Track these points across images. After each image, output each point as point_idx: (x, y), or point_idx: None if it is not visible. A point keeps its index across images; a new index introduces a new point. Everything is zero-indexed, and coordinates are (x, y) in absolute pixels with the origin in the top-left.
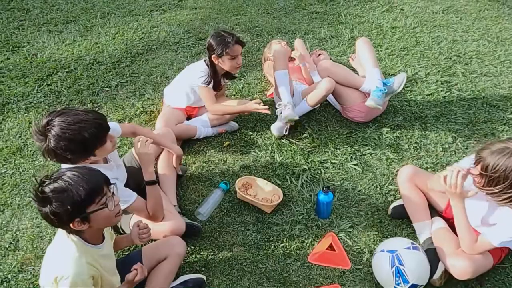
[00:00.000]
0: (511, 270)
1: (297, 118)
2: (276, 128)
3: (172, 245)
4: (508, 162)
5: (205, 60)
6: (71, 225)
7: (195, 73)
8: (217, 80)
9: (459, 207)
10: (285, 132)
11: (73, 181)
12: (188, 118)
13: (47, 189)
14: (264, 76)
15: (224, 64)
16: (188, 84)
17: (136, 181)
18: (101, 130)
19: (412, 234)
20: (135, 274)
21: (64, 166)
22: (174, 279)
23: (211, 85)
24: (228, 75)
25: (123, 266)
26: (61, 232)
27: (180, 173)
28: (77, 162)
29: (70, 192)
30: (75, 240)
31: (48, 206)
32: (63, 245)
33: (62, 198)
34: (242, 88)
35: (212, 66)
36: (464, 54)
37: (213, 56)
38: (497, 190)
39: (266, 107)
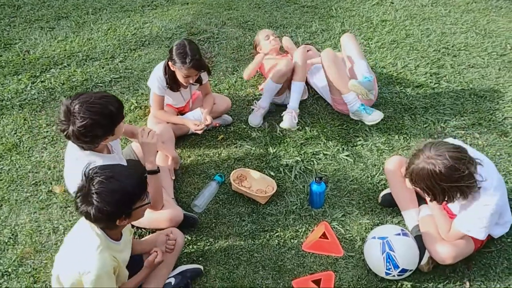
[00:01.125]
0: (496, 254)
1: (255, 126)
2: (287, 121)
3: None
4: (418, 164)
5: (164, 63)
6: (117, 221)
7: (152, 76)
8: (175, 82)
9: None
10: (295, 120)
11: (125, 178)
12: (183, 114)
13: (99, 189)
14: (257, 70)
15: (177, 74)
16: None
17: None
18: (122, 106)
19: (402, 222)
20: (155, 256)
21: (68, 153)
22: (173, 269)
23: (161, 91)
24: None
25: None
26: (83, 226)
27: (173, 177)
28: (99, 142)
29: (125, 190)
30: (99, 233)
31: (101, 205)
32: (86, 239)
33: (118, 197)
34: (235, 82)
35: (169, 68)
36: (452, 46)
37: (169, 62)
38: (432, 194)
39: (201, 129)
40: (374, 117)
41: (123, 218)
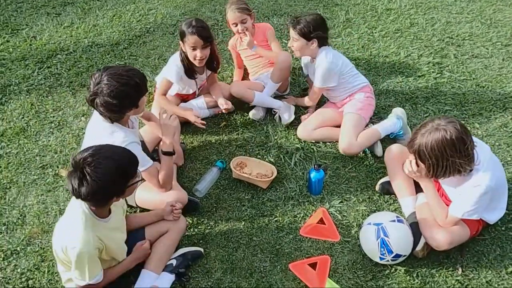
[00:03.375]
0: (490, 241)
1: (257, 120)
2: (287, 116)
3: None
4: (428, 139)
5: (179, 52)
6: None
7: (170, 64)
8: (191, 68)
9: (428, 187)
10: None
11: (119, 157)
12: (186, 101)
13: (94, 170)
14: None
15: (187, 52)
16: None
17: None
18: (145, 79)
19: (399, 209)
20: (142, 244)
21: (92, 125)
22: (174, 251)
23: (177, 77)
24: (210, 66)
25: (128, 239)
26: (73, 203)
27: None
28: (125, 112)
29: (119, 168)
30: (86, 212)
31: (96, 185)
32: (74, 217)
33: (113, 176)
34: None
35: (183, 52)
36: (457, 36)
37: (181, 42)
38: (433, 171)
39: (203, 123)
40: (378, 151)
41: (116, 197)
